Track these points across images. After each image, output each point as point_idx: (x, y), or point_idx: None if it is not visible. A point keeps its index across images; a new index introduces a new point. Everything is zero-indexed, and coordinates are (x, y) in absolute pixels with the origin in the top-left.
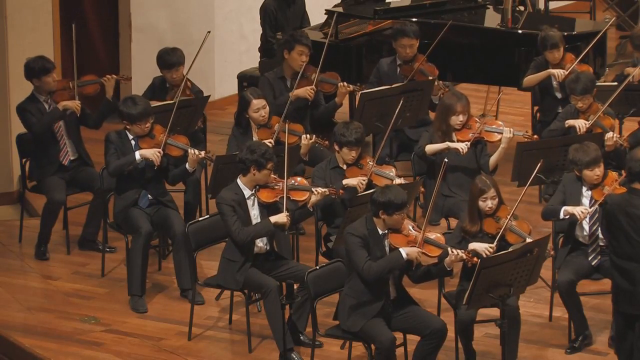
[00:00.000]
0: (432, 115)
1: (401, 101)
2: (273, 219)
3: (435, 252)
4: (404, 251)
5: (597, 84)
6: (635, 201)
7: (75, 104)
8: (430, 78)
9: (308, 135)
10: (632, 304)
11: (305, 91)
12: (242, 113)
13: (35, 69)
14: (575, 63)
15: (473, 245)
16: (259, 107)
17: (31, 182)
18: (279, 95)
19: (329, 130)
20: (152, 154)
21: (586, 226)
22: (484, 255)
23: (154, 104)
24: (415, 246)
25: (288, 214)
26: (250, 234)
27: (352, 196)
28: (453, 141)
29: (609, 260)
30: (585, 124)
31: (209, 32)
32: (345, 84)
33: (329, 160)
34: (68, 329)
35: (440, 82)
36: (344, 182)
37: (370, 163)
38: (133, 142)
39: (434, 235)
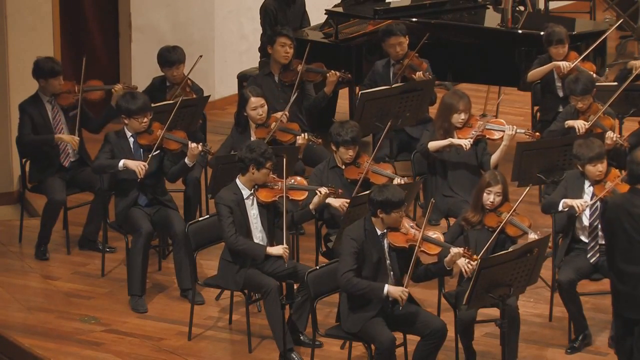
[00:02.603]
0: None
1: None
2: (269, 249)
3: (434, 250)
4: (387, 287)
5: (597, 84)
6: (637, 201)
7: (72, 140)
8: (419, 72)
9: (303, 134)
10: (632, 308)
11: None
12: (241, 111)
13: (44, 69)
14: (579, 60)
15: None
16: (256, 106)
17: (31, 184)
18: (267, 92)
19: (327, 128)
20: (137, 166)
21: (586, 220)
22: (464, 270)
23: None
24: (403, 287)
25: (286, 247)
26: (242, 245)
27: (352, 196)
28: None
29: (608, 264)
30: (585, 125)
31: (201, 56)
32: (333, 71)
33: (328, 161)
34: (68, 329)
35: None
36: (328, 200)
37: (367, 161)
38: (132, 140)
39: (434, 233)
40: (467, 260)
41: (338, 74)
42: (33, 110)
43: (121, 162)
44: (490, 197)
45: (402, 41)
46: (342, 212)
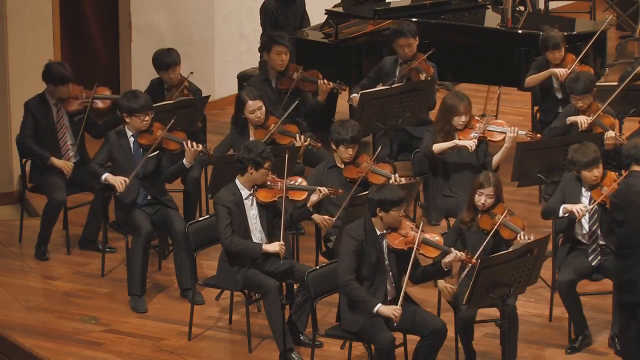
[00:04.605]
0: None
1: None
2: (265, 246)
3: (432, 253)
4: (378, 306)
5: (597, 83)
6: (631, 181)
7: (66, 166)
8: (424, 75)
9: (302, 137)
10: (632, 292)
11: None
12: (239, 113)
13: (54, 75)
14: (575, 63)
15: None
16: (254, 109)
17: (32, 184)
18: (265, 97)
19: (327, 129)
20: (117, 181)
21: (585, 225)
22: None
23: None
24: (396, 305)
25: (282, 243)
26: (237, 246)
27: (350, 196)
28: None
29: (615, 254)
30: (587, 120)
31: (192, 72)
32: (324, 81)
33: (327, 161)
34: (68, 329)
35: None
36: (314, 217)
37: (367, 161)
38: (132, 140)
39: (433, 236)
40: (467, 263)
41: (331, 84)
42: (38, 111)
43: (103, 176)
44: (481, 199)
45: (411, 42)
46: (324, 228)
